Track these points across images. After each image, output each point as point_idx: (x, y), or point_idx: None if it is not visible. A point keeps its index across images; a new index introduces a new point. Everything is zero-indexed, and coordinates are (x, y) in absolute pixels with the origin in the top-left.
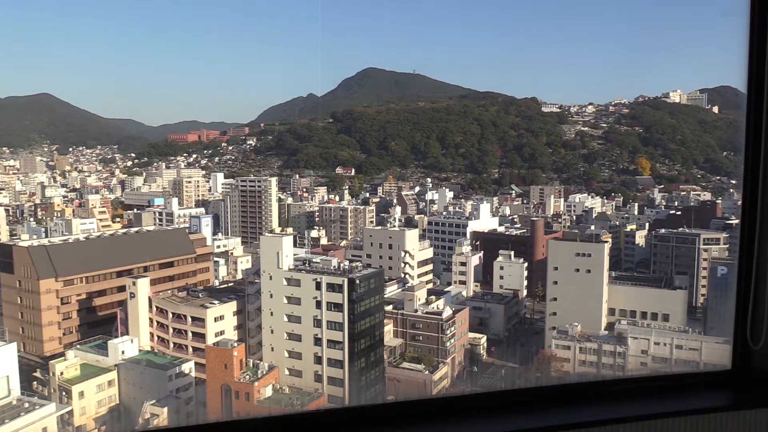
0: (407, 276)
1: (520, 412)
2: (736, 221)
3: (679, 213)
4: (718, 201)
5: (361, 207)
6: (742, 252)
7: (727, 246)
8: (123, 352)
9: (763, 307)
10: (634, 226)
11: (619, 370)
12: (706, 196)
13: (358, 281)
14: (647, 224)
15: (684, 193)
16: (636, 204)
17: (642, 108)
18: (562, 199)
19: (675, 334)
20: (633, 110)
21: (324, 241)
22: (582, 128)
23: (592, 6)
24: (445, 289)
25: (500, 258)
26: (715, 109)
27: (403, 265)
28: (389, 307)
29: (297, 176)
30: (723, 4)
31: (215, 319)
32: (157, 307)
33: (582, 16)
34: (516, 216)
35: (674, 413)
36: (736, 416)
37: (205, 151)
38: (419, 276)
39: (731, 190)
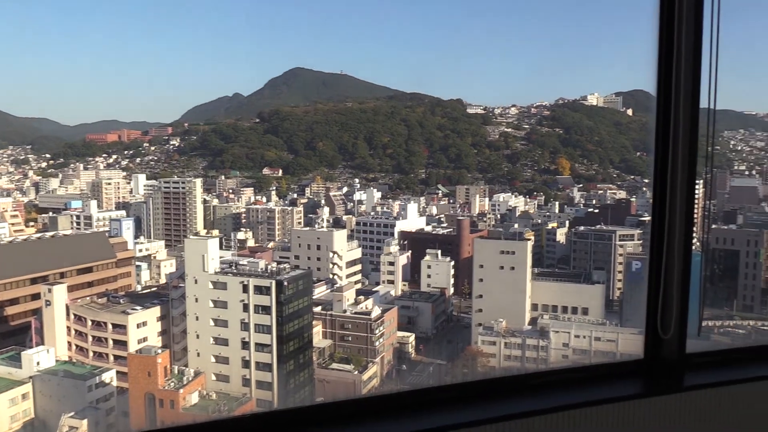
0: (336, 277)
1: (447, 408)
2: (649, 218)
3: (596, 211)
4: (632, 199)
5: (289, 208)
6: (652, 247)
7: (641, 242)
8: (38, 363)
9: (671, 299)
10: (555, 224)
11: (542, 363)
12: (622, 194)
13: (286, 283)
14: (567, 222)
15: (601, 191)
16: (557, 203)
17: (562, 110)
18: (487, 199)
19: (593, 327)
20: (553, 112)
21: (251, 243)
22: (506, 129)
23: (514, 8)
24: (374, 289)
25: (428, 257)
26: (630, 112)
27: (331, 265)
28: (318, 308)
29: (223, 177)
30: (634, 12)
31: (138, 326)
32: (75, 315)
33: (504, 17)
34: (443, 215)
35: (591, 403)
36: (647, 403)
37: (126, 152)
38: (348, 276)
39: (644, 189)
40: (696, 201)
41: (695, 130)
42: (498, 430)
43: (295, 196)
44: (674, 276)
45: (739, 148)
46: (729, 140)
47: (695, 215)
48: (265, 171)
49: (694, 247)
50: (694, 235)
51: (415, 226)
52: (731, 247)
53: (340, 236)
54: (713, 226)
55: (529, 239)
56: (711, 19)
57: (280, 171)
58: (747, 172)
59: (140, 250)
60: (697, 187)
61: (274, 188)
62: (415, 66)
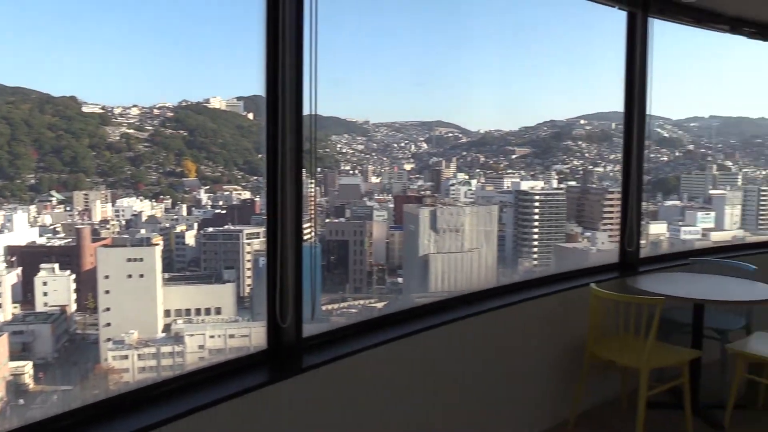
0: None
1: None
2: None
3: (224, 211)
4: (256, 199)
5: None
6: (269, 242)
7: (266, 239)
8: None
9: (287, 290)
10: (184, 227)
11: (180, 369)
12: (247, 194)
13: None
14: (196, 224)
15: (227, 192)
16: (184, 205)
17: (185, 112)
18: (110, 204)
19: (227, 325)
20: (177, 114)
21: None
22: (127, 130)
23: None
24: None
25: (42, 272)
26: (251, 116)
27: None
28: None
29: None
30: (243, 20)
31: None
32: None
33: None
34: (59, 225)
35: (222, 399)
36: (273, 389)
37: None
38: None
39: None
40: (311, 198)
41: (300, 133)
42: None
43: None
44: (289, 269)
45: (344, 150)
46: (336, 143)
47: (312, 211)
48: None
49: (312, 240)
50: (312, 229)
51: (25, 238)
52: (342, 237)
53: None
54: (327, 220)
55: (157, 244)
56: (311, 31)
57: None
58: (351, 172)
59: None
60: (311, 185)
61: None
62: (18, 54)
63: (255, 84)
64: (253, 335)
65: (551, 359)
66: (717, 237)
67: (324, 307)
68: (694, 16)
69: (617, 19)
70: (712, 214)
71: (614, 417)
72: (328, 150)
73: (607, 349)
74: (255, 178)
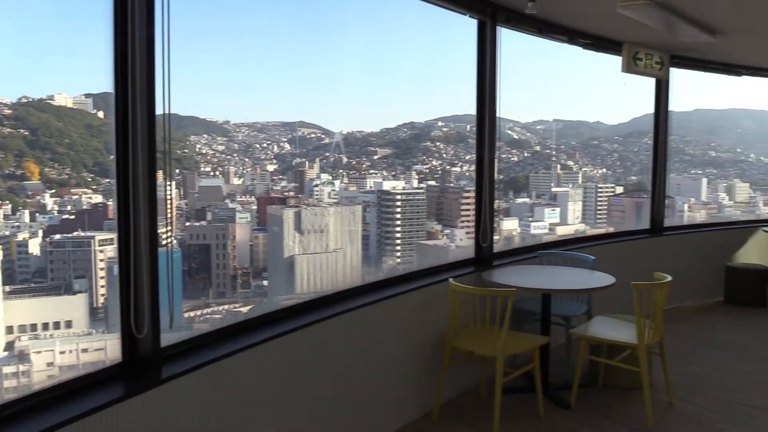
0: None
1: None
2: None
3: (73, 217)
4: (109, 202)
5: None
6: (120, 249)
7: (118, 245)
8: None
9: (142, 299)
10: (27, 235)
11: (26, 390)
12: (98, 198)
13: None
14: (41, 231)
15: (76, 196)
16: (27, 211)
17: (26, 109)
18: None
19: (79, 339)
20: (17, 111)
21: None
22: None
23: None
24: None
25: None
26: (101, 114)
27: None
28: None
29: None
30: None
31: None
32: None
33: None
34: None
35: (73, 418)
36: (129, 405)
37: None
38: None
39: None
40: (169, 201)
41: (153, 133)
42: None
43: None
44: (143, 275)
45: (204, 151)
46: (195, 144)
47: (171, 215)
48: None
49: (173, 245)
50: (170, 233)
51: None
52: (204, 241)
53: None
54: (187, 224)
55: None
56: (163, 25)
57: None
58: (212, 173)
59: None
60: (169, 188)
61: None
62: None
63: (105, 80)
64: (109, 348)
65: (415, 353)
66: (562, 231)
67: (186, 315)
68: (536, 27)
69: (469, 26)
70: (558, 210)
71: (474, 404)
72: (186, 151)
73: (466, 341)
74: (107, 180)
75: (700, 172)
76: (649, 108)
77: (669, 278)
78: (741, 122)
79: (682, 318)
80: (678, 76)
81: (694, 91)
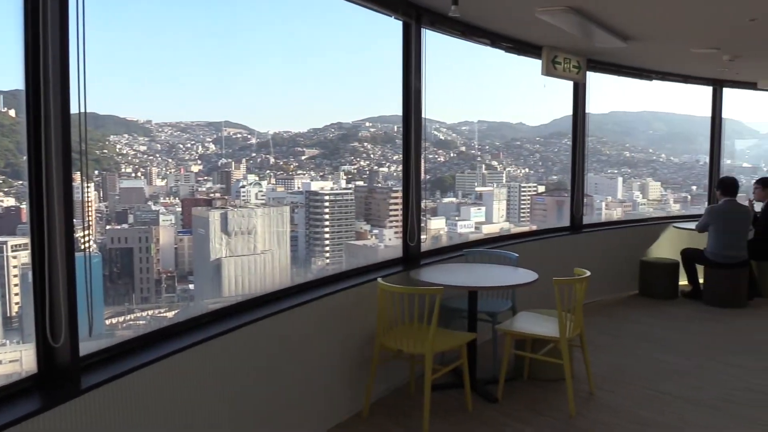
0: None
1: None
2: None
3: None
4: (22, 206)
5: None
6: (34, 255)
7: (31, 250)
8: None
9: (58, 306)
10: None
11: None
12: (10, 201)
13: None
14: None
15: None
16: None
17: None
18: None
19: None
20: None
21: None
22: None
23: None
24: None
25: None
26: (12, 113)
27: None
28: None
29: None
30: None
31: None
32: None
33: None
34: None
35: None
36: (45, 418)
37: None
38: None
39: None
40: (87, 204)
41: (68, 132)
42: None
43: None
44: (59, 282)
45: (125, 151)
46: (116, 144)
47: (89, 218)
48: None
49: (91, 249)
50: (89, 237)
51: None
52: (126, 245)
53: None
54: (108, 227)
55: None
56: (77, 19)
57: None
58: (134, 174)
59: None
60: (88, 190)
61: None
62: None
63: (15, 76)
64: (25, 359)
65: (345, 353)
66: (487, 230)
67: (108, 321)
68: (460, 30)
69: (395, 28)
70: (483, 209)
71: (404, 402)
72: (106, 151)
73: (395, 339)
74: (20, 182)
75: (615, 171)
76: (568, 110)
77: (588, 273)
78: (652, 124)
79: (600, 311)
80: (594, 80)
81: (610, 94)
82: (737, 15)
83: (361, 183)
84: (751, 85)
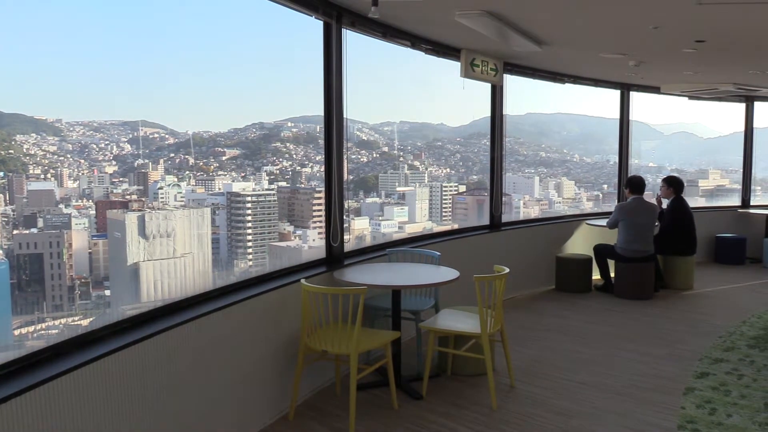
0: None
1: None
2: None
3: None
4: None
5: None
6: None
7: None
8: None
9: None
10: None
11: None
12: None
13: None
14: None
15: None
16: None
17: None
18: None
19: None
20: None
21: None
22: None
23: None
24: None
25: None
26: None
27: None
28: None
29: None
30: None
31: None
32: None
33: None
34: None
35: None
36: None
37: None
38: None
39: None
40: None
41: None
42: None
43: None
44: None
45: (33, 152)
46: (22, 144)
47: None
48: None
49: None
50: None
51: None
52: (35, 250)
53: None
54: (15, 232)
55: None
56: None
57: None
58: (43, 176)
59: None
60: None
61: None
62: None
63: None
64: None
65: (270, 356)
66: (411, 229)
67: (16, 332)
68: (381, 31)
69: (315, 27)
70: (406, 208)
71: (330, 402)
72: (12, 152)
73: (320, 340)
74: None
75: (532, 171)
76: (487, 111)
77: (507, 270)
78: (566, 125)
79: (519, 306)
80: (512, 82)
81: (526, 96)
82: (641, 23)
83: (283, 184)
84: (656, 89)
